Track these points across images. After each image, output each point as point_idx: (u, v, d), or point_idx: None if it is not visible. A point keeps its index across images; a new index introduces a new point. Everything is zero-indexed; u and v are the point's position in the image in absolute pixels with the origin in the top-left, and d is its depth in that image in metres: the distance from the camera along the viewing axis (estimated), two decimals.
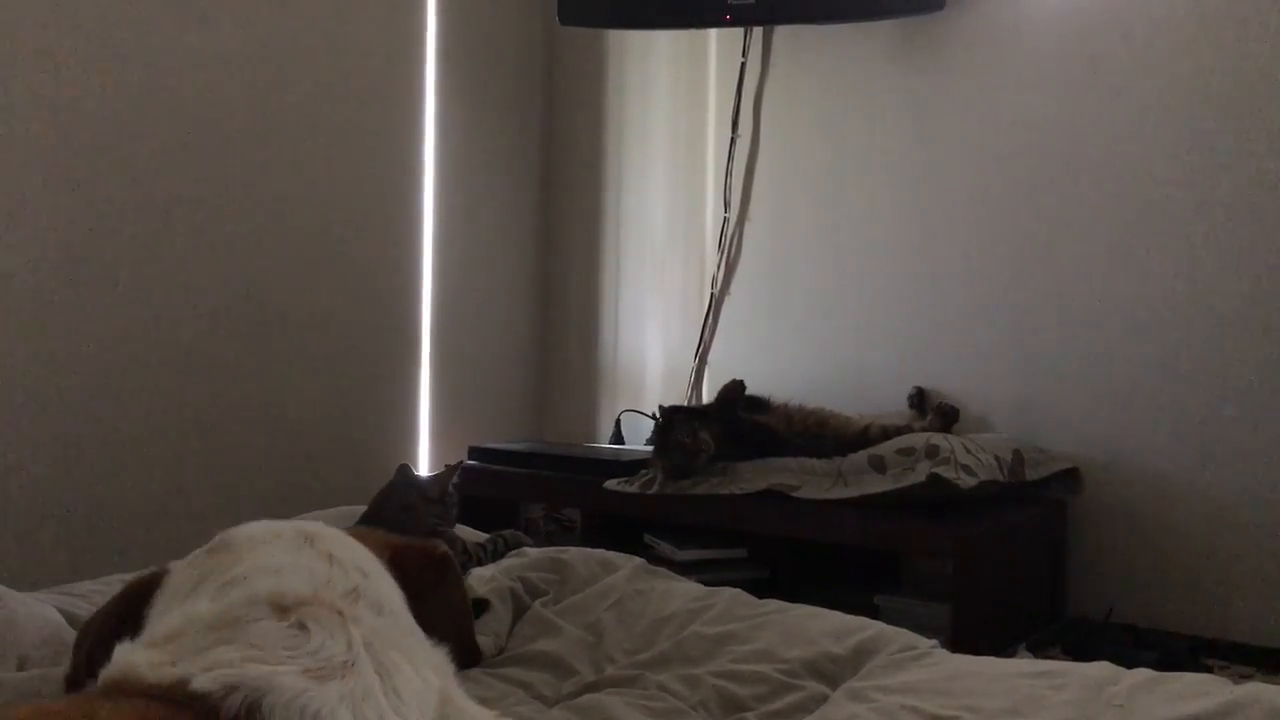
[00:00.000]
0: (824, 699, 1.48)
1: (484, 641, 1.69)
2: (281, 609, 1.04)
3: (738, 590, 1.82)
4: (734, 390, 2.85)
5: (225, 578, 1.13)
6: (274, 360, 2.99)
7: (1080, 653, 2.40)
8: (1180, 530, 2.61)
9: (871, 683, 1.47)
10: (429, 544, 1.45)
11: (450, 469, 2.13)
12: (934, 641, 1.62)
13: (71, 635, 1.40)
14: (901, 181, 3.03)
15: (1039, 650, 2.47)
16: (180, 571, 1.22)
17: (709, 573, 2.77)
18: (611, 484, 2.90)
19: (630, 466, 2.94)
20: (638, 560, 1.94)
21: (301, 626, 1.02)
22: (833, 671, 1.54)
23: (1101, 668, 1.42)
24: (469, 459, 3.27)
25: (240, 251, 2.91)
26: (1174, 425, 2.62)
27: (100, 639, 1.22)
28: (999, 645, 2.43)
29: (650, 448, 2.92)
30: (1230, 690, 1.31)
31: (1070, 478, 2.75)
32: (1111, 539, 2.70)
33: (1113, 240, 2.71)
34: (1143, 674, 1.39)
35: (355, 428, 3.19)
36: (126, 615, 1.23)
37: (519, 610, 1.79)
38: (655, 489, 2.81)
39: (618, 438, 3.42)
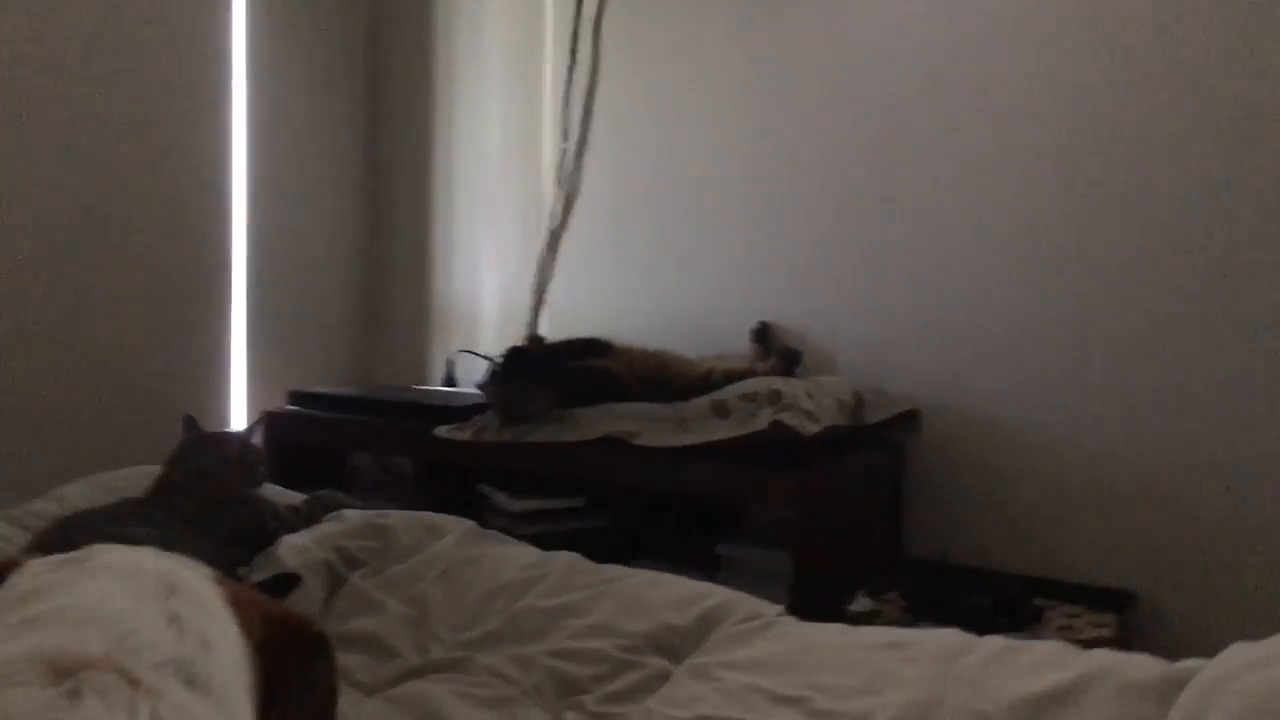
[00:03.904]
0: (666, 676, 1.39)
1: None
2: (60, 670, 0.85)
3: (575, 555, 1.70)
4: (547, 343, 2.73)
5: (26, 614, 0.95)
6: (63, 298, 2.70)
7: (918, 597, 2.40)
8: (1013, 473, 2.63)
9: (716, 658, 1.38)
10: (305, 620, 1.26)
11: (254, 424, 1.94)
12: (779, 608, 1.55)
13: None
14: (747, 113, 2.92)
15: (877, 595, 2.46)
16: (12, 582, 1.03)
17: (546, 523, 2.67)
18: (443, 431, 2.74)
19: (463, 412, 2.78)
20: (468, 524, 1.81)
21: (74, 695, 0.84)
22: (675, 645, 1.45)
23: (952, 636, 1.37)
24: (289, 404, 3.06)
25: (13, 172, 2.60)
26: (1009, 369, 2.62)
27: None
28: (840, 592, 2.41)
29: (481, 391, 2.76)
30: (1080, 661, 1.27)
31: (909, 420, 2.73)
32: (948, 481, 2.70)
33: (957, 181, 2.67)
34: (994, 643, 1.34)
35: (157, 372, 2.92)
36: None
37: (335, 584, 1.64)
38: (490, 436, 2.67)
39: (450, 380, 3.25)
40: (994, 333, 2.64)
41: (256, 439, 1.93)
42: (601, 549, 2.64)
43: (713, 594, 1.56)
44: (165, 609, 0.99)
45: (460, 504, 2.85)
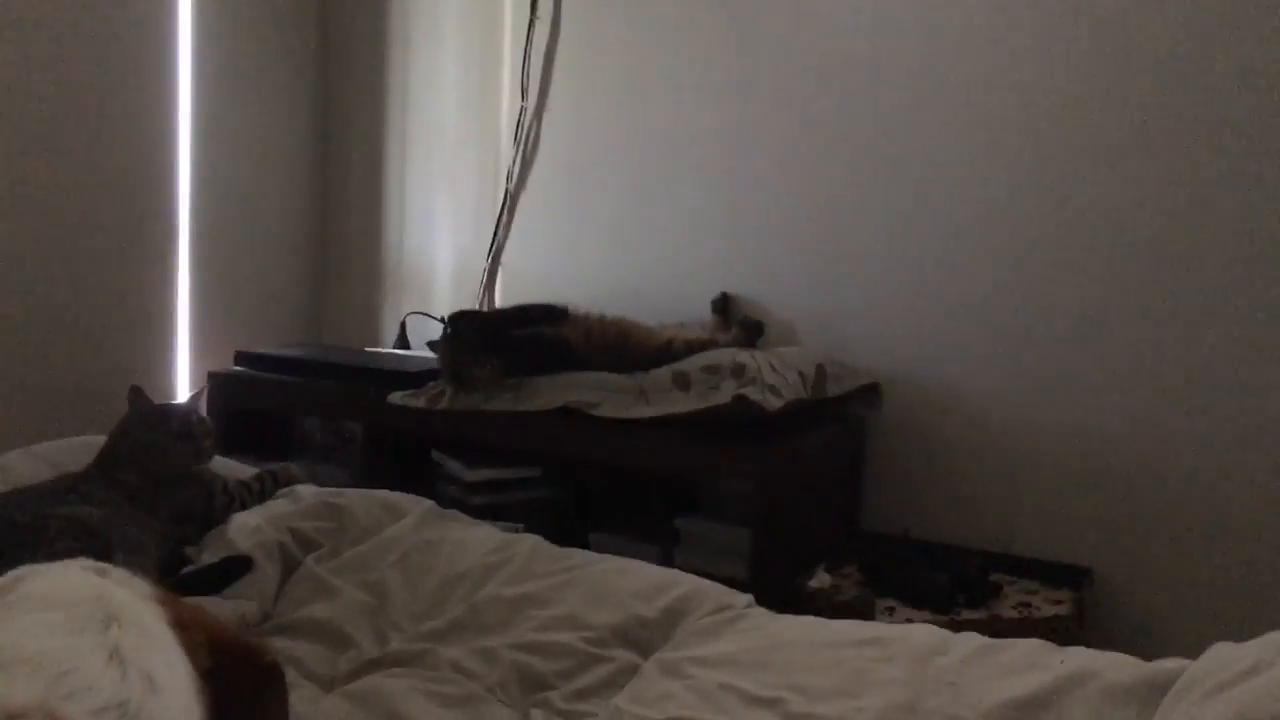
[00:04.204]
0: (634, 670, 1.35)
1: (246, 607, 1.47)
2: None
3: (538, 539, 1.66)
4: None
5: None
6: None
7: (876, 573, 2.39)
8: (972, 449, 2.61)
9: (686, 653, 1.34)
10: (257, 648, 1.16)
11: (195, 394, 1.86)
12: (748, 597, 1.51)
13: None
14: (712, 74, 2.85)
15: (835, 569, 2.45)
16: None
17: (501, 493, 2.62)
18: (396, 397, 2.67)
19: (418, 377, 2.71)
20: (427, 504, 1.75)
21: None
22: (643, 638, 1.41)
23: (927, 633, 1.34)
24: (235, 365, 2.97)
25: None
26: (970, 344, 2.60)
27: None
28: (799, 567, 2.39)
29: (431, 349, 2.70)
30: (1059, 661, 1.25)
31: (870, 393, 2.71)
32: (907, 456, 2.68)
33: (924, 151, 2.63)
34: (970, 641, 1.31)
35: (98, 333, 2.81)
36: None
37: (289, 567, 1.58)
38: (444, 404, 2.60)
39: (403, 342, 3.17)
40: (956, 307, 2.61)
41: (201, 409, 1.85)
42: (558, 520, 2.62)
43: (680, 582, 1.52)
44: (105, 641, 0.89)
45: (413, 471, 2.80)
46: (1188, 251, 2.38)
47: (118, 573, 1.01)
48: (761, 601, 1.91)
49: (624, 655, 1.37)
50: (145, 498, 1.67)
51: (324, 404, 2.85)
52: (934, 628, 1.36)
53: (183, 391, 3.01)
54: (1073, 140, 2.48)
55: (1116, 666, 1.24)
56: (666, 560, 2.46)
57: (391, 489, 2.71)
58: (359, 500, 1.70)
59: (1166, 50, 2.37)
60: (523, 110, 3.07)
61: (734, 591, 1.52)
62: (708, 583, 1.53)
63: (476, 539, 1.64)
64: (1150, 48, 2.39)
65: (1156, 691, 1.18)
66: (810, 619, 1.44)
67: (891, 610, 2.26)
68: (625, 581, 1.51)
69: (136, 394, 1.84)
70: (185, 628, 0.99)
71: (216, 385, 2.91)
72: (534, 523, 2.57)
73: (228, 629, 1.10)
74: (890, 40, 2.64)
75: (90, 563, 1.03)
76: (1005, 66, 2.52)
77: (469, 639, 1.39)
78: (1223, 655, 1.18)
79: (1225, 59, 2.32)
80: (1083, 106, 2.46)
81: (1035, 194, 2.52)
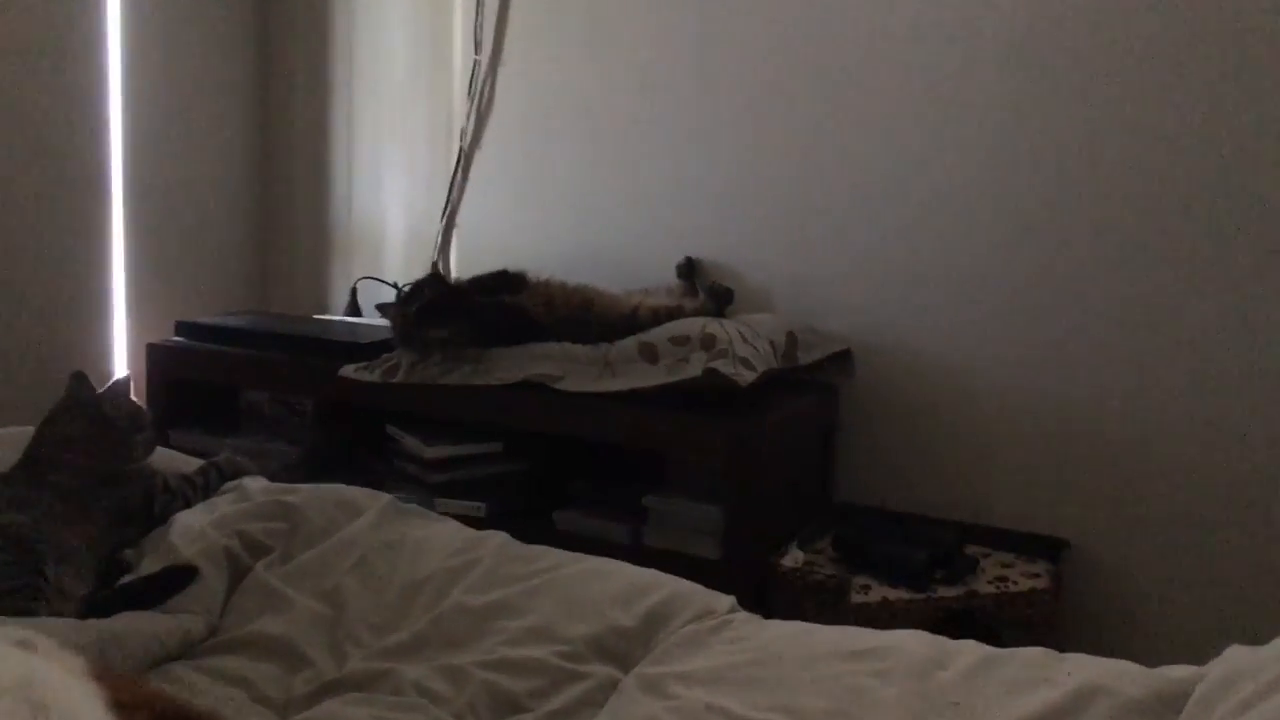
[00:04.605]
0: (613, 686, 1.26)
1: (191, 621, 1.36)
2: None
3: (505, 538, 1.55)
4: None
5: None
6: None
7: (849, 550, 2.32)
8: (947, 417, 2.54)
9: (668, 668, 1.25)
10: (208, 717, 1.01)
11: (117, 381, 1.72)
12: (729, 600, 1.43)
13: None
14: (678, 24, 2.71)
15: (809, 546, 2.38)
16: None
17: (461, 469, 2.52)
18: (348, 370, 2.55)
19: (370, 349, 2.59)
20: (385, 499, 1.63)
21: None
22: (622, 650, 1.32)
23: (925, 644, 1.26)
24: (176, 335, 2.82)
25: None
26: (944, 309, 2.52)
27: None
28: (772, 544, 2.31)
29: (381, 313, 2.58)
30: (1066, 673, 1.17)
31: (842, 360, 2.63)
32: (880, 425, 2.61)
33: (902, 111, 2.52)
34: (970, 652, 1.24)
35: (29, 306, 2.65)
36: None
37: (237, 575, 1.46)
38: (400, 378, 2.48)
39: (354, 309, 3.03)
40: (933, 271, 2.53)
41: (121, 403, 1.69)
42: (520, 497, 2.52)
43: (658, 585, 1.43)
44: None
45: (368, 446, 2.69)
46: (1174, 214, 2.31)
47: (45, 643, 0.88)
48: (736, 582, 1.84)
49: (602, 670, 1.27)
50: (79, 498, 1.54)
51: (271, 377, 2.72)
52: (929, 636, 1.28)
53: (120, 365, 2.86)
54: (1054, 104, 2.38)
55: (1125, 678, 1.17)
56: (635, 539, 2.38)
57: (345, 465, 2.64)
58: (312, 498, 1.58)
59: (1161, 22, 2.28)
60: (476, 63, 2.92)
61: (716, 594, 1.43)
62: (687, 585, 1.44)
63: (439, 538, 1.53)
64: (1147, 19, 2.29)
65: (1173, 703, 1.11)
66: (798, 625, 1.35)
67: (867, 589, 2.20)
68: (600, 586, 1.41)
69: (79, 380, 1.69)
70: (125, 708, 0.86)
71: (156, 357, 2.77)
72: (495, 500, 2.48)
73: (174, 701, 0.96)
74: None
75: (14, 631, 0.90)
76: (990, 27, 2.42)
77: (434, 655, 1.29)
78: (1240, 664, 1.11)
79: (1224, 36, 2.24)
80: (1065, 72, 2.37)
81: (1017, 155, 2.43)
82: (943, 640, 1.27)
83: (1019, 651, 1.24)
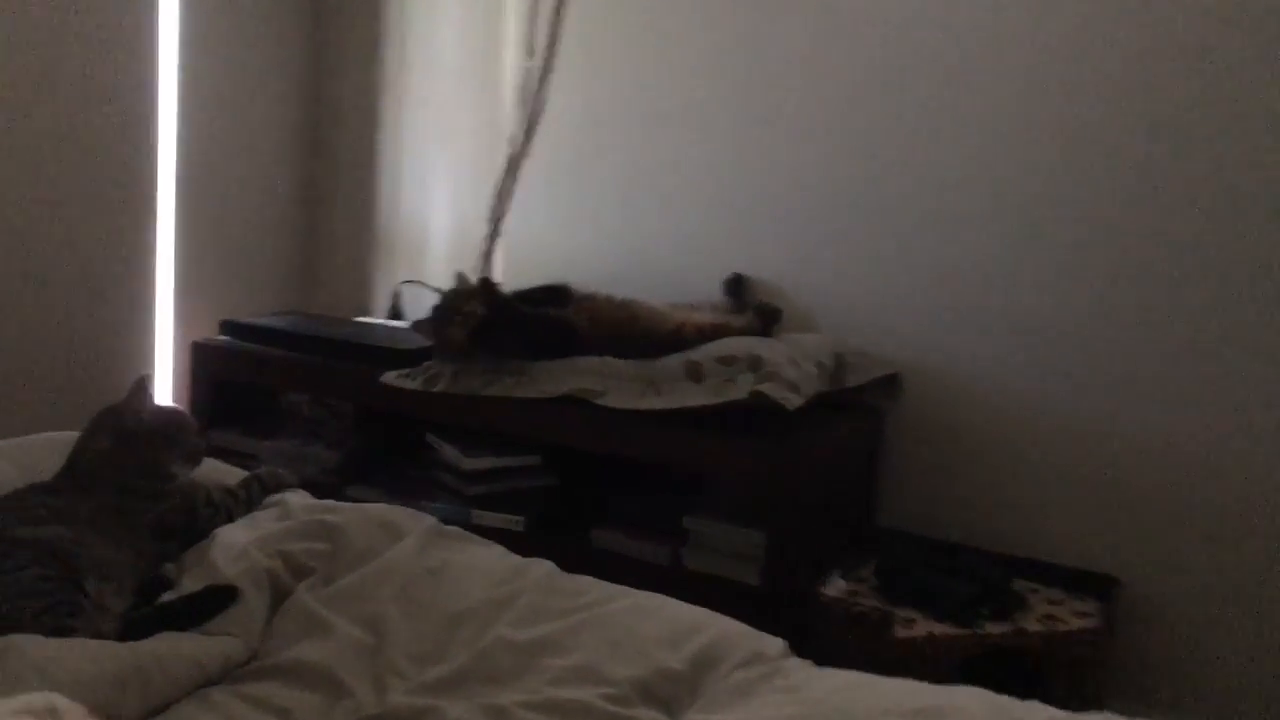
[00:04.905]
0: None
1: (231, 645, 1.34)
2: None
3: (549, 568, 1.52)
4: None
5: None
6: None
7: (892, 580, 2.27)
8: (996, 446, 2.48)
9: (718, 718, 1.22)
10: None
11: (136, 385, 1.67)
12: (781, 644, 1.39)
13: None
14: (733, 33, 2.67)
15: (850, 573, 2.33)
16: None
17: (499, 481, 2.49)
18: (390, 377, 2.53)
19: (413, 356, 2.57)
20: (427, 521, 1.61)
21: None
22: (669, 693, 1.28)
23: (986, 704, 1.21)
24: (220, 334, 2.82)
25: None
26: (996, 336, 2.46)
27: None
28: (813, 571, 2.27)
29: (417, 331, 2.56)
30: None
31: (890, 384, 2.58)
32: (926, 452, 2.56)
33: (953, 139, 2.46)
34: (1035, 715, 1.19)
35: (75, 304, 2.65)
36: None
37: (278, 596, 1.44)
38: (441, 387, 2.46)
39: (395, 313, 3.02)
40: (983, 297, 2.47)
41: (142, 411, 1.65)
42: (557, 511, 2.49)
43: (706, 626, 1.39)
44: None
45: (407, 454, 2.67)
46: (1231, 247, 2.25)
47: (75, 711, 0.85)
48: (778, 610, 1.79)
49: (648, 715, 1.24)
50: (120, 512, 1.53)
51: (312, 381, 2.71)
52: (990, 696, 1.24)
53: (165, 363, 2.86)
54: (1108, 133, 2.33)
55: None
56: (675, 561, 2.35)
57: (383, 471, 2.63)
58: (355, 518, 1.56)
59: (1193, 41, 2.22)
60: (528, 70, 2.89)
61: (764, 636, 1.40)
62: (735, 625, 1.40)
63: (482, 565, 1.50)
64: (1173, 35, 2.23)
65: None
66: (853, 676, 1.31)
67: (912, 622, 2.15)
68: (647, 624, 1.38)
69: (139, 386, 1.67)
70: None
71: (201, 355, 2.77)
72: (532, 514, 2.45)
73: None
74: (929, 13, 2.47)
75: (39, 699, 0.87)
76: (1052, 57, 2.37)
77: (476, 692, 1.26)
78: None
79: (1241, 44, 2.17)
80: (1114, 99, 2.31)
81: (1076, 182, 2.37)
82: (1007, 702, 1.22)
83: (1085, 718, 1.20)
